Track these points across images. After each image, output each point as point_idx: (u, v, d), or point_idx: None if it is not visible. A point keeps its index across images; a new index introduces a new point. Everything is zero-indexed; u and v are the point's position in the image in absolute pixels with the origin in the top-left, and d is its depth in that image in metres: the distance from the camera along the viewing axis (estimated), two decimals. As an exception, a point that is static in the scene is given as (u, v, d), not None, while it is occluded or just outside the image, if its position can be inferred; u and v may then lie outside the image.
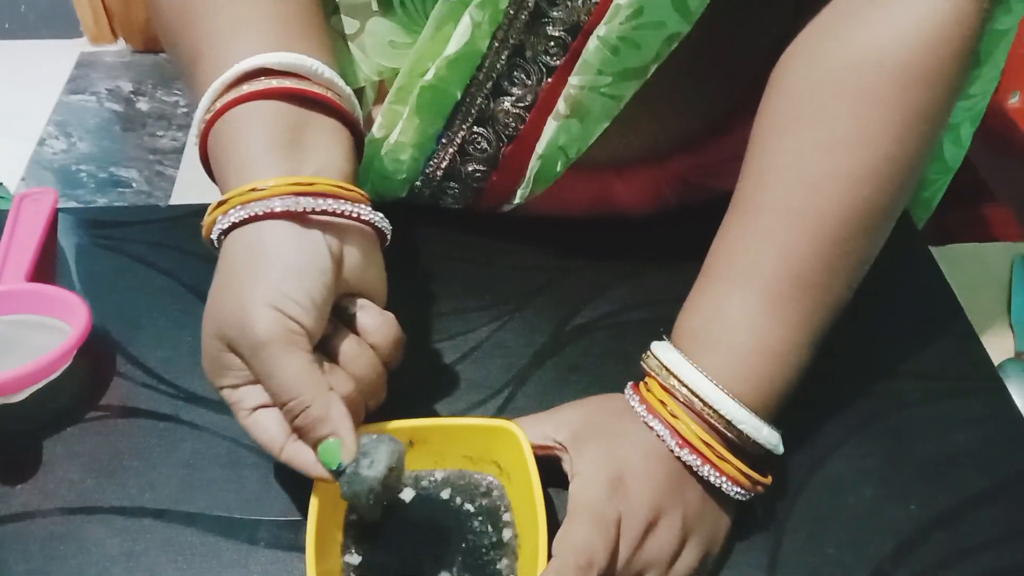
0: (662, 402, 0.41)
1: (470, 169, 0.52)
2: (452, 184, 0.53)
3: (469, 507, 0.42)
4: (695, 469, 0.40)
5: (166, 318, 0.51)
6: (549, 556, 0.37)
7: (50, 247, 0.55)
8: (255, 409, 0.39)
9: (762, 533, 0.43)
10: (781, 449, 0.42)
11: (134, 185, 1.63)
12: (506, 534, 0.41)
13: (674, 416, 0.40)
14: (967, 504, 0.44)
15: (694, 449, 0.40)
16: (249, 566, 0.41)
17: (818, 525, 0.43)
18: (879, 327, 0.52)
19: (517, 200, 0.53)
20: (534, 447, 0.41)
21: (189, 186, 1.59)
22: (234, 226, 0.39)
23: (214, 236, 0.40)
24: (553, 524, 0.38)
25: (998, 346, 0.61)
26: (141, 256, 0.55)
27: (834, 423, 0.47)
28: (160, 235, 0.56)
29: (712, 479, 0.40)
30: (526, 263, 0.55)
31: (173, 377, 0.48)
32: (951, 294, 0.54)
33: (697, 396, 0.40)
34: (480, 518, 0.42)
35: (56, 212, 0.57)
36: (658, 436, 0.41)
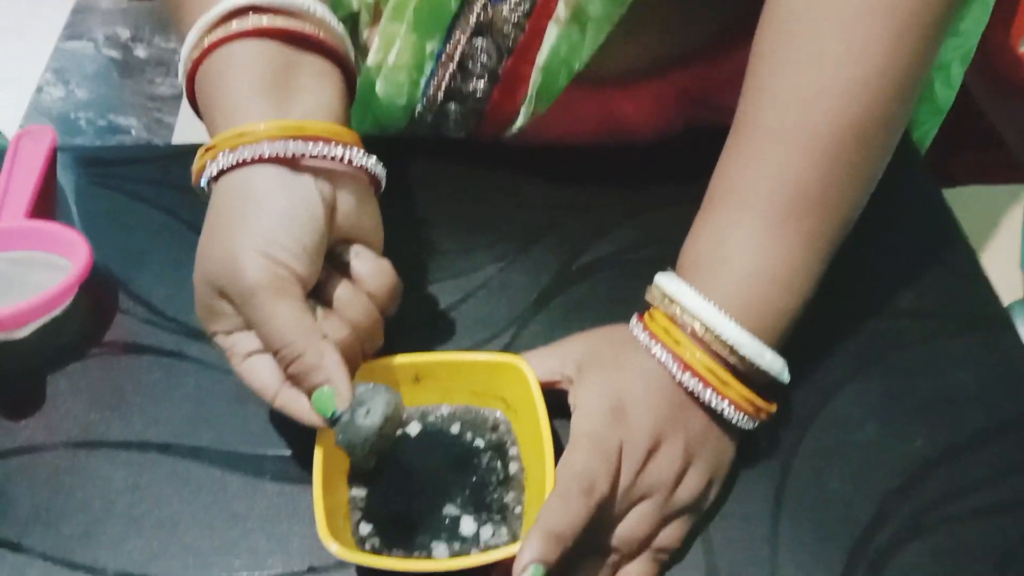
0: (665, 330, 0.41)
1: (471, 87, 0.51)
2: (454, 106, 0.52)
3: (475, 441, 0.42)
4: (698, 395, 0.40)
5: (167, 255, 0.51)
6: (555, 488, 0.37)
7: (49, 185, 0.55)
8: (249, 355, 0.39)
9: (767, 469, 0.43)
10: (786, 376, 0.41)
11: (133, 132, 1.61)
12: (513, 468, 0.41)
13: (677, 343, 0.40)
14: (972, 440, 0.44)
15: (696, 374, 0.40)
16: (255, 499, 0.41)
17: (823, 461, 0.43)
18: (887, 265, 0.52)
19: (520, 121, 0.52)
20: (541, 383, 0.41)
21: (188, 134, 1.58)
22: (222, 172, 0.38)
23: (203, 183, 0.39)
24: (559, 456, 0.38)
25: (1007, 288, 0.61)
26: (141, 194, 0.54)
27: (840, 360, 0.47)
28: (160, 173, 0.55)
29: (714, 403, 0.40)
30: (531, 202, 0.54)
31: (176, 313, 0.48)
32: (961, 233, 0.54)
33: (699, 321, 0.40)
34: (487, 452, 0.42)
35: (55, 150, 0.56)
36: (660, 363, 0.40)
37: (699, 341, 0.40)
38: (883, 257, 0.52)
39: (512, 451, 0.42)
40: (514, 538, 0.39)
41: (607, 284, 0.50)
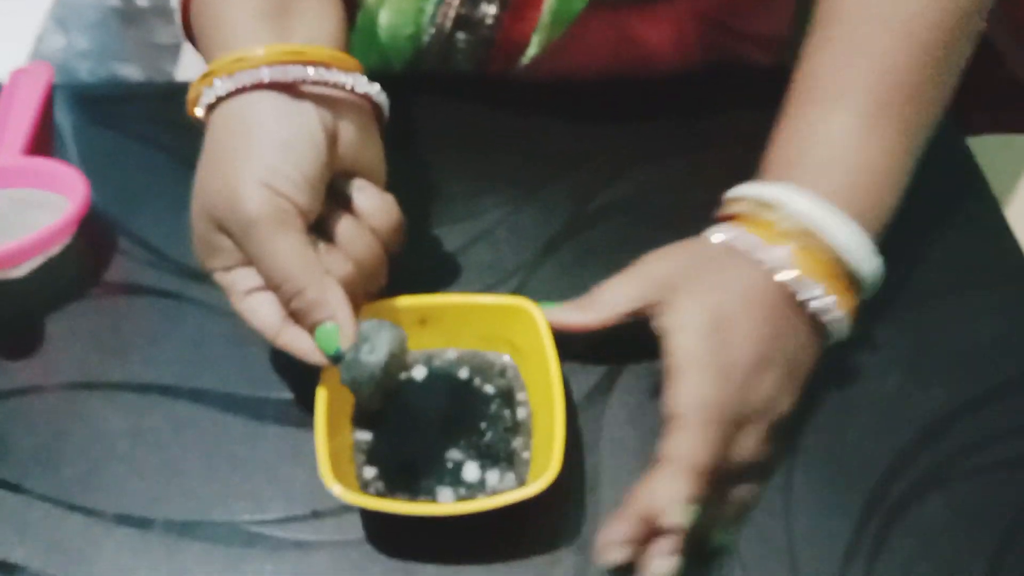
0: (768, 238, 0.38)
1: (480, 14, 0.49)
2: (463, 35, 0.50)
3: (482, 386, 0.41)
4: (808, 300, 0.37)
5: (167, 195, 0.49)
6: (566, 434, 0.36)
7: (47, 123, 0.53)
8: (249, 292, 0.37)
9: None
10: (878, 285, 0.40)
11: (134, 81, 1.59)
12: (521, 413, 0.40)
13: (787, 246, 0.37)
14: (991, 393, 0.43)
15: (812, 281, 0.37)
16: (257, 442, 0.41)
17: (841, 412, 0.42)
18: (911, 215, 0.50)
19: (532, 50, 0.50)
20: (623, 313, 0.39)
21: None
22: (220, 100, 0.37)
23: (200, 111, 0.38)
24: (568, 402, 0.38)
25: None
26: (140, 132, 0.53)
27: (862, 310, 0.46)
28: (159, 111, 0.54)
29: (830, 314, 0.38)
30: (542, 144, 0.53)
31: (176, 254, 0.47)
32: (985, 183, 0.52)
33: (806, 223, 0.37)
34: (494, 397, 0.41)
35: (52, 87, 0.55)
36: (765, 273, 0.38)
37: (806, 246, 0.37)
38: (908, 208, 0.51)
39: (520, 396, 0.41)
40: (521, 483, 0.38)
41: (620, 230, 0.49)
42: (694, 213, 0.49)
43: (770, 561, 0.38)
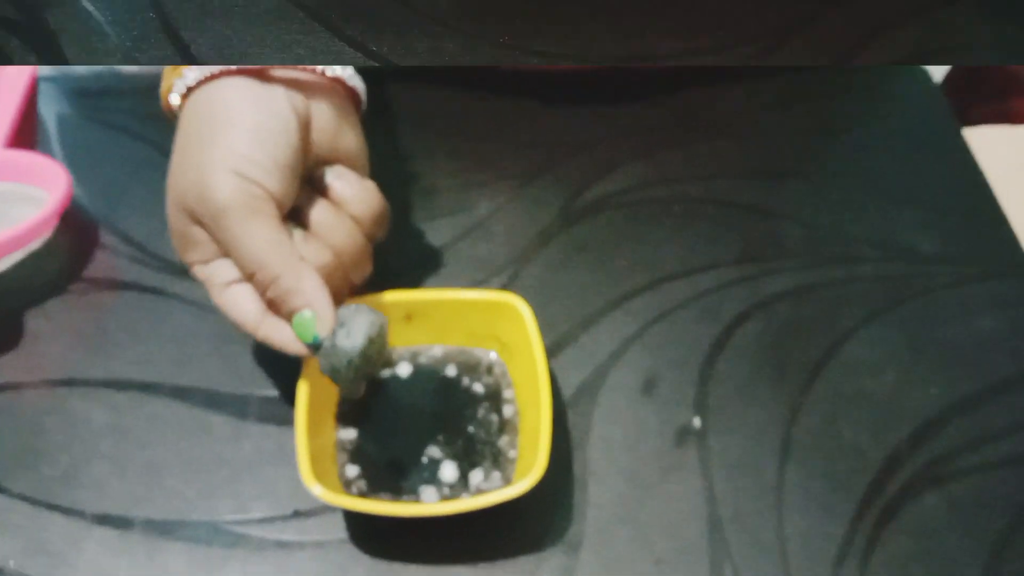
0: None
1: None
2: None
3: (468, 383, 0.40)
4: None
5: (151, 189, 0.48)
6: (553, 433, 0.36)
7: (30, 115, 0.52)
8: (228, 285, 0.36)
9: (775, 416, 0.41)
10: None
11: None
12: (507, 410, 0.39)
13: None
14: (989, 389, 0.42)
15: None
16: (240, 440, 0.40)
17: (835, 408, 0.41)
18: (908, 209, 0.50)
19: None
20: None
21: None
22: (191, 89, 0.36)
23: (176, 101, 0.37)
24: (556, 400, 0.37)
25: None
26: (125, 126, 0.52)
27: (857, 305, 0.45)
28: (145, 105, 0.53)
29: None
30: (532, 137, 0.52)
31: (159, 249, 0.46)
32: (981, 177, 0.51)
33: None
34: (480, 394, 0.40)
35: (36, 79, 0.54)
36: None
37: None
38: (904, 202, 0.50)
39: (507, 394, 0.40)
40: (507, 482, 0.37)
41: (611, 223, 0.48)
42: (687, 207, 0.48)
43: (761, 561, 0.37)
